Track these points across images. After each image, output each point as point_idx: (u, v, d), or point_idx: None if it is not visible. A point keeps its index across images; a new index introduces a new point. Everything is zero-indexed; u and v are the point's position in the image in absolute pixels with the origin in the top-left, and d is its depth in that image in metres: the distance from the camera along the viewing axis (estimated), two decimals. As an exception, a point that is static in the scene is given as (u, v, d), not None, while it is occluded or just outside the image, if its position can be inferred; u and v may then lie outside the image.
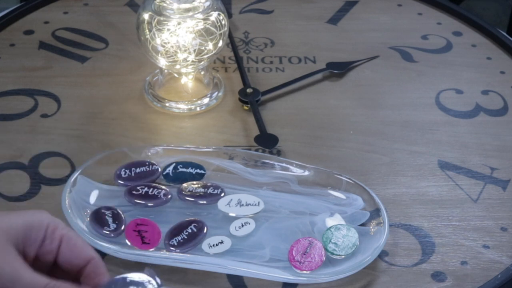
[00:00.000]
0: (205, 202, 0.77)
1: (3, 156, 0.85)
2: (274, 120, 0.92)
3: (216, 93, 0.95)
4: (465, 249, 0.76)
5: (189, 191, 0.77)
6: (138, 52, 1.00)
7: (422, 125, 0.92)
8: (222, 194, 0.78)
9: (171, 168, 0.80)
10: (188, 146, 0.84)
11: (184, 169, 0.80)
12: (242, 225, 0.75)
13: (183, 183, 0.79)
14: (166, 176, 0.80)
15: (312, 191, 0.79)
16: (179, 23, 0.87)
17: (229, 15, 1.11)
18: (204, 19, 0.88)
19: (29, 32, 1.07)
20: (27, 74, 0.98)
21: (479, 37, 1.09)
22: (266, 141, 0.87)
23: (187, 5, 0.87)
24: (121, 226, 0.74)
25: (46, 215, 0.56)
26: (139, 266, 0.72)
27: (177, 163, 0.81)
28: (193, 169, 0.80)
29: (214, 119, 0.92)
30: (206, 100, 0.94)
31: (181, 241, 0.73)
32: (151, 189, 0.78)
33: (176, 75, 0.95)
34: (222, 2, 0.91)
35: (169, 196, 0.77)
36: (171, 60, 0.90)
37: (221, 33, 0.89)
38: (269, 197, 0.79)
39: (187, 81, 0.96)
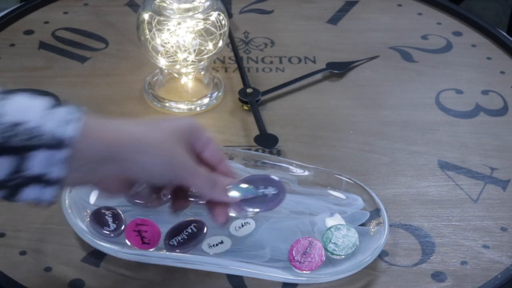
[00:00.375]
0: (205, 202, 0.77)
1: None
2: (274, 120, 0.92)
3: (216, 93, 0.95)
4: (465, 249, 0.76)
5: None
6: (138, 52, 1.00)
7: (422, 125, 0.92)
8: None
9: None
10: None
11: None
12: (242, 225, 0.75)
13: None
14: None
15: (312, 191, 0.79)
16: (179, 23, 0.87)
17: (229, 15, 1.11)
18: (204, 19, 0.88)
19: (29, 32, 1.07)
20: (27, 74, 0.98)
21: (479, 37, 1.09)
22: (266, 141, 0.87)
23: (187, 5, 0.87)
24: (121, 226, 0.74)
25: (196, 121, 0.65)
26: (139, 266, 0.72)
27: None
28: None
29: (214, 119, 0.92)
30: (206, 100, 0.94)
31: (181, 241, 0.73)
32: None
33: (176, 75, 0.95)
34: (222, 2, 0.91)
35: (169, 196, 0.77)
36: (171, 60, 0.90)
37: (221, 33, 0.89)
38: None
39: (187, 81, 0.96)
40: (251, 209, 0.68)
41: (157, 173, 0.60)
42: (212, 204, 0.66)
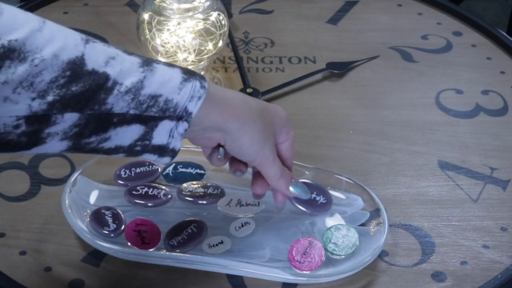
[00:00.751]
0: (205, 202, 0.77)
1: (3, 156, 0.85)
2: (274, 120, 0.92)
3: (216, 93, 0.95)
4: (465, 249, 0.76)
5: (189, 191, 0.77)
6: (138, 52, 1.00)
7: (422, 125, 0.92)
8: (222, 194, 0.78)
9: (171, 168, 0.80)
10: (188, 146, 0.84)
11: (184, 169, 0.80)
12: (242, 225, 0.75)
13: (183, 183, 0.79)
14: (166, 176, 0.80)
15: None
16: (179, 23, 0.87)
17: (229, 15, 1.11)
18: (204, 19, 0.88)
19: (29, 32, 1.07)
20: (27, 74, 0.98)
21: (479, 37, 1.09)
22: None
23: (187, 5, 0.87)
24: (121, 226, 0.74)
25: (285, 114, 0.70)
26: (139, 266, 0.72)
27: (177, 163, 0.80)
28: (193, 169, 0.80)
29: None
30: (206, 100, 0.94)
31: (181, 241, 0.73)
32: (151, 189, 0.78)
33: (176, 75, 0.95)
34: (222, 2, 0.91)
35: (169, 196, 0.77)
36: (171, 60, 0.90)
37: (221, 33, 0.89)
38: (269, 197, 0.79)
39: (187, 81, 0.95)
40: (300, 207, 0.76)
41: (248, 151, 0.66)
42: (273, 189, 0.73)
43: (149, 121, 0.59)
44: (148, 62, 0.59)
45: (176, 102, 0.59)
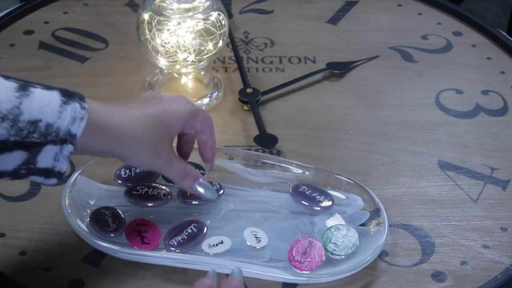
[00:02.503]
0: (203, 202, 0.77)
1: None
2: (274, 120, 0.92)
3: (216, 93, 0.95)
4: (465, 249, 0.76)
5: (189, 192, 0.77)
6: (138, 52, 1.00)
7: (422, 125, 0.92)
8: (221, 192, 0.78)
9: None
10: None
11: (183, 169, 0.80)
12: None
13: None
14: (166, 180, 0.79)
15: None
16: (179, 23, 0.87)
17: (229, 15, 1.11)
18: (204, 19, 0.88)
19: (29, 32, 1.07)
20: (27, 74, 0.98)
21: (479, 37, 1.09)
22: (266, 141, 0.87)
23: (187, 5, 0.87)
24: (121, 226, 0.74)
25: (194, 105, 0.72)
26: (139, 266, 0.72)
27: None
28: (193, 169, 0.80)
29: (214, 119, 0.91)
30: (206, 100, 0.94)
31: (181, 241, 0.73)
32: (151, 189, 0.78)
33: (176, 75, 0.95)
34: (222, 2, 0.91)
35: (169, 196, 0.77)
36: (171, 60, 0.90)
37: (221, 33, 0.89)
38: (269, 197, 0.79)
39: (187, 81, 0.96)
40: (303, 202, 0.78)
41: (143, 164, 0.71)
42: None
43: (32, 147, 0.59)
44: (25, 87, 0.59)
45: (57, 126, 0.59)
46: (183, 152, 0.76)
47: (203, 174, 0.80)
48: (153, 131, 0.67)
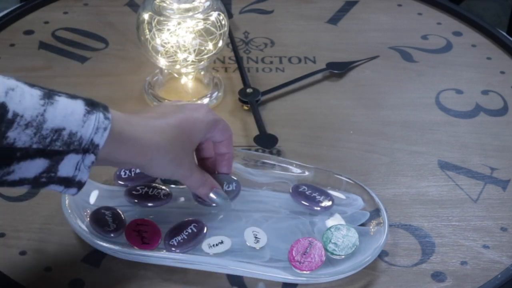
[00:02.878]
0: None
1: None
2: (274, 120, 0.92)
3: (216, 93, 0.95)
4: (465, 249, 0.76)
5: None
6: (138, 52, 1.00)
7: (422, 125, 0.92)
8: (236, 193, 0.77)
9: None
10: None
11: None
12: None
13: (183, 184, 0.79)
14: (166, 180, 0.80)
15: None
16: (179, 23, 0.87)
17: (229, 15, 1.11)
18: (204, 19, 0.88)
19: (29, 32, 1.07)
20: (27, 74, 0.98)
21: (479, 37, 1.09)
22: (266, 141, 0.87)
23: (187, 5, 0.87)
24: (121, 226, 0.74)
25: (212, 115, 0.72)
26: (139, 266, 0.72)
27: None
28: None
29: (214, 119, 0.92)
30: (206, 100, 0.94)
31: (181, 241, 0.73)
32: (151, 189, 0.78)
33: (176, 75, 0.95)
34: (222, 2, 0.91)
35: (169, 196, 0.77)
36: (171, 60, 0.90)
37: (221, 33, 0.89)
38: (269, 197, 0.79)
39: (187, 81, 0.96)
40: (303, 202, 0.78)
41: (165, 174, 0.70)
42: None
43: (54, 155, 0.58)
44: (49, 95, 0.59)
45: (80, 135, 0.59)
46: (201, 162, 0.77)
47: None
48: (175, 141, 0.67)
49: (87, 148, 0.59)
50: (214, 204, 0.74)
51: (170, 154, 0.67)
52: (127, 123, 0.63)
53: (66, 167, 0.59)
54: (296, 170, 0.81)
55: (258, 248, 0.73)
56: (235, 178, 0.77)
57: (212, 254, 0.72)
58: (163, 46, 0.89)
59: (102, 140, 0.60)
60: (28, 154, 0.57)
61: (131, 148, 0.63)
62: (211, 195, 0.73)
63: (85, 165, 0.60)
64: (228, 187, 0.76)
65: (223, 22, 0.89)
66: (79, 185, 0.61)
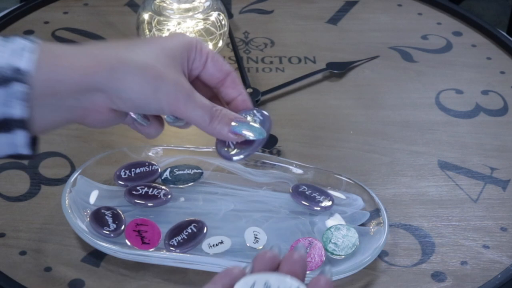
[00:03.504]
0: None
1: (3, 156, 0.85)
2: (274, 120, 0.91)
3: (216, 93, 0.95)
4: (465, 249, 0.76)
5: None
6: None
7: (422, 125, 0.92)
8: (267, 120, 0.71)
9: (167, 172, 0.80)
10: (188, 146, 0.84)
11: (181, 172, 0.80)
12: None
13: (184, 184, 0.79)
14: (165, 181, 0.80)
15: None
16: (179, 23, 0.87)
17: (229, 15, 1.11)
18: (204, 19, 0.88)
19: (29, 32, 1.07)
20: (27, 74, 0.98)
21: (479, 37, 1.09)
22: (266, 141, 0.87)
23: (187, 5, 0.88)
24: (121, 226, 0.74)
25: (191, 36, 0.60)
26: (139, 266, 0.72)
27: (172, 168, 0.80)
28: (190, 170, 0.80)
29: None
30: (206, 100, 0.94)
31: (181, 241, 0.73)
32: (151, 189, 0.78)
33: (176, 75, 0.95)
34: (222, 2, 0.91)
35: (169, 196, 0.77)
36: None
37: (221, 33, 0.89)
38: (269, 197, 0.79)
39: (187, 81, 0.95)
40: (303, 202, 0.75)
41: (142, 103, 0.53)
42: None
43: None
44: None
45: None
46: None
47: (202, 173, 0.80)
48: (152, 53, 0.54)
49: (7, 76, 0.49)
50: (249, 138, 0.57)
51: (141, 64, 0.52)
52: (69, 46, 0.52)
53: None
54: (296, 170, 0.81)
55: (258, 248, 0.73)
56: (257, 108, 0.63)
57: (212, 254, 0.72)
58: (163, 46, 0.89)
59: (30, 64, 0.49)
60: None
61: (79, 60, 0.51)
62: (234, 129, 0.56)
63: (17, 98, 0.49)
64: (255, 120, 0.61)
65: (223, 22, 0.89)
66: (21, 123, 0.50)
